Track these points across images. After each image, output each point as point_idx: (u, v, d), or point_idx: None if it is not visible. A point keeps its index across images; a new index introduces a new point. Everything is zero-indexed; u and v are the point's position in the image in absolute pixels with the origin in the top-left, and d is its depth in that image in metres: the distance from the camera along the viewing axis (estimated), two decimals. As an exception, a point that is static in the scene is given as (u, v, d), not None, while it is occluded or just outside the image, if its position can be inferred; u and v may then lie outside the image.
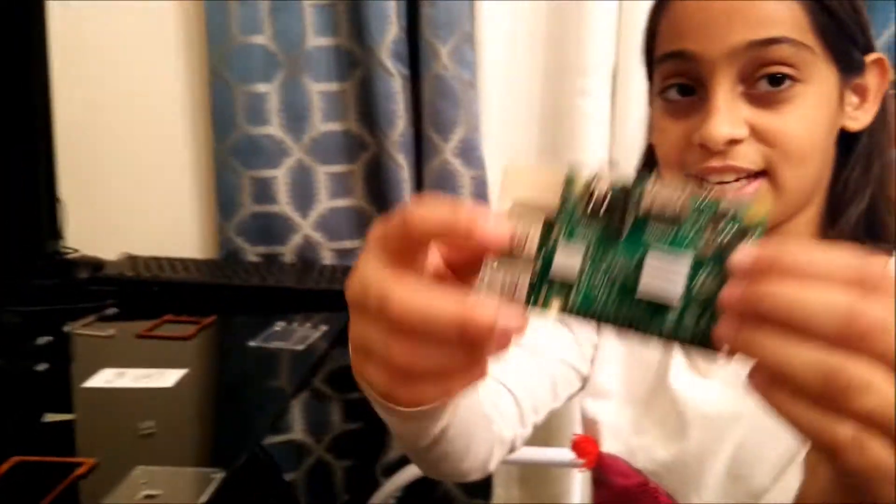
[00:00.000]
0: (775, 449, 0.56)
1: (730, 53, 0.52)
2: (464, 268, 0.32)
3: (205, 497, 0.63)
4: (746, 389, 0.28)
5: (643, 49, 0.61)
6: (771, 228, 0.58)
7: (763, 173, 0.54)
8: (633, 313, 0.29)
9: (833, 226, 0.59)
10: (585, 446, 0.65)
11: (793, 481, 0.54)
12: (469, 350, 0.29)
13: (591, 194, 0.29)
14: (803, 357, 0.25)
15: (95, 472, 0.67)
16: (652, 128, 0.61)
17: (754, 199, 0.28)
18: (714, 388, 0.60)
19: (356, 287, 0.31)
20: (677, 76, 0.56)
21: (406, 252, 0.30)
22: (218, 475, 0.66)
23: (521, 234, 0.29)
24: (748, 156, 0.53)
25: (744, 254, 0.27)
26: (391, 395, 0.32)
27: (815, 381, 0.24)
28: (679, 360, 0.62)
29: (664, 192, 0.29)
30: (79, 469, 0.66)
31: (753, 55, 0.52)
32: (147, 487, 0.64)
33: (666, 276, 0.28)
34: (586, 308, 0.30)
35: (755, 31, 0.51)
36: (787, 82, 0.52)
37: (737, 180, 0.54)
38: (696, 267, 0.28)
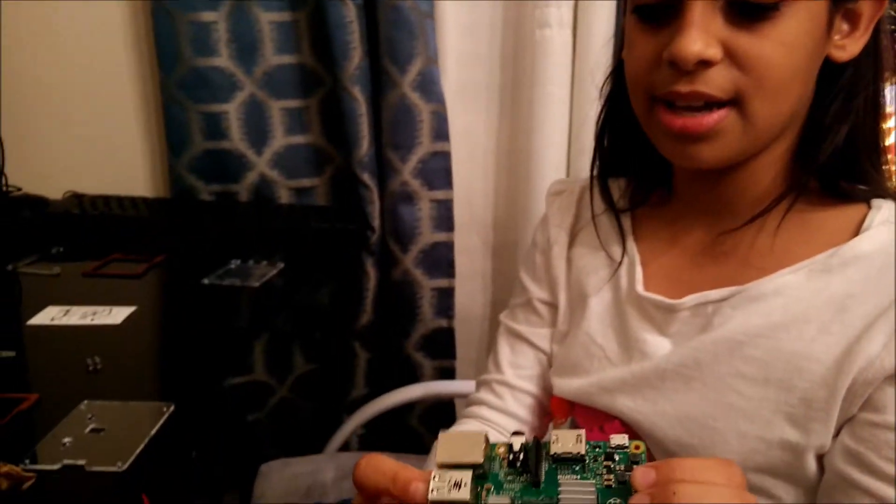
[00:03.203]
0: (721, 422, 0.54)
1: None
2: None
3: (154, 430, 0.62)
4: None
5: None
6: (738, 163, 0.55)
7: (733, 102, 0.50)
8: None
9: (804, 163, 0.55)
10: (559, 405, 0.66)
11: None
12: None
13: (510, 454, 0.37)
14: None
15: (39, 406, 0.65)
16: (624, 44, 0.57)
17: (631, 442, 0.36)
18: (666, 345, 0.58)
19: None
20: None
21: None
22: (168, 408, 0.65)
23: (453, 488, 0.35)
24: (719, 82, 0.49)
25: (643, 472, 0.33)
26: None
27: None
28: (635, 316, 0.60)
29: (565, 442, 0.36)
30: (22, 404, 0.64)
31: None
32: (94, 421, 0.62)
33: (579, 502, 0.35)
34: None
35: None
36: None
37: (704, 106, 0.50)
38: (603, 494, 0.35)
